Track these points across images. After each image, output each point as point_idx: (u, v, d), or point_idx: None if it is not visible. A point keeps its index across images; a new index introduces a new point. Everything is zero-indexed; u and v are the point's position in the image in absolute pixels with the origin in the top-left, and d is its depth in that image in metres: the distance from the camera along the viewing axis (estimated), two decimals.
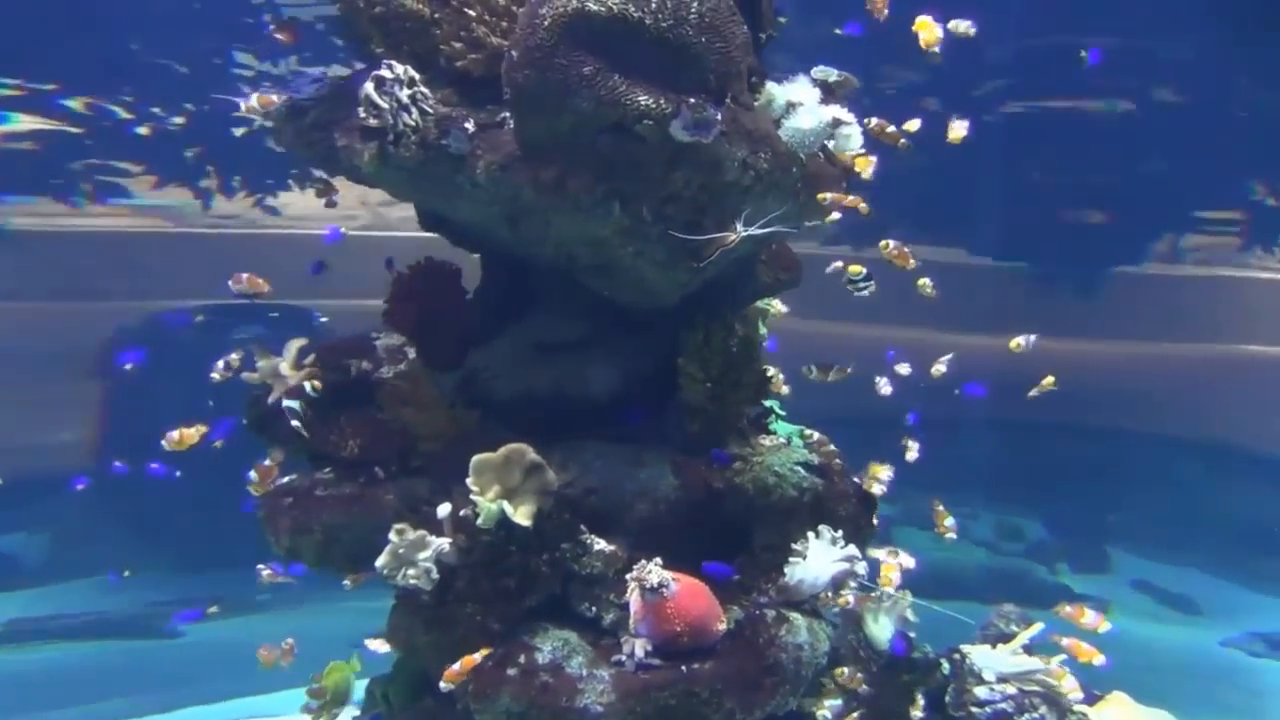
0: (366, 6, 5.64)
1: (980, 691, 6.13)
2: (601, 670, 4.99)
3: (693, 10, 4.76)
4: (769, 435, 6.08)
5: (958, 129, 5.48)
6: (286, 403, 5.71)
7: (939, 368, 6.61)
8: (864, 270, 5.71)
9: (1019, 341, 6.41)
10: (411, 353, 6.05)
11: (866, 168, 5.44)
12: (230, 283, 6.14)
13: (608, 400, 5.72)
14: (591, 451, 5.52)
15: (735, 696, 5.05)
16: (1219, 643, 12.09)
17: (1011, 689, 6.14)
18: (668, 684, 4.96)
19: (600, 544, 5.27)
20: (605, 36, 4.73)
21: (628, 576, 5.13)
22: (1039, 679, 6.21)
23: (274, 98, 6.06)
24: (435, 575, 5.03)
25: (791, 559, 5.48)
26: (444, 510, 5.20)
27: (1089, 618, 5.85)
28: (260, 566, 6.28)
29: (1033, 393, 6.77)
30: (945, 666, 6.26)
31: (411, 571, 5.03)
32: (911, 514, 8.42)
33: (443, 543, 5.10)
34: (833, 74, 5.55)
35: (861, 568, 5.54)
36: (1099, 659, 5.76)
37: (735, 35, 4.91)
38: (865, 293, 5.68)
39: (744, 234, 4.99)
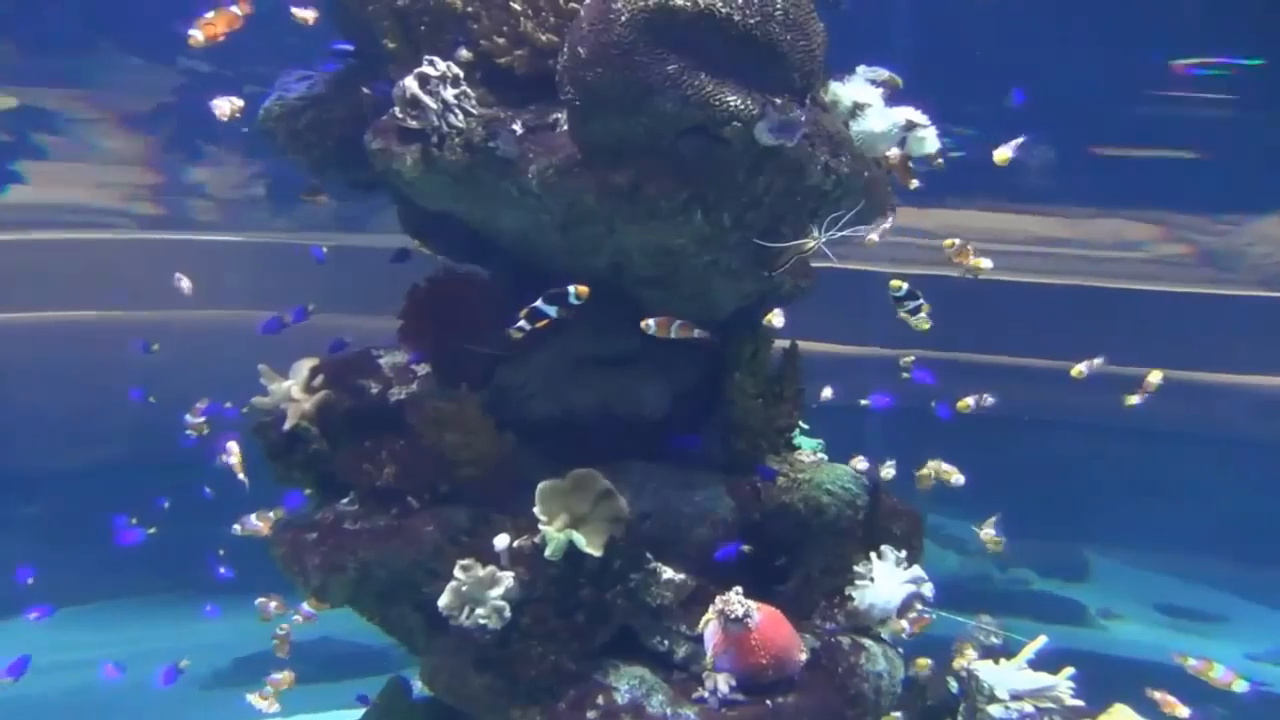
0: None
1: (995, 710, 5.96)
2: (685, 709, 4.69)
3: (778, 6, 4.48)
4: (798, 451, 5.86)
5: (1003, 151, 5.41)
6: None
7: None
8: (904, 285, 4.94)
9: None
10: (421, 371, 5.65)
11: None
12: None
13: (658, 419, 5.39)
14: (639, 473, 5.20)
15: None
16: None
17: (1028, 707, 6.00)
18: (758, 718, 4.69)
19: (669, 573, 4.96)
20: (688, 33, 4.42)
21: (713, 607, 4.83)
22: (1054, 695, 6.09)
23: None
24: (508, 614, 4.65)
25: (858, 582, 5.25)
26: (502, 542, 4.82)
27: (1219, 673, 5.70)
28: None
29: None
30: (953, 683, 6.09)
31: (480, 610, 4.64)
32: None
33: (510, 577, 4.72)
34: (882, 73, 5.33)
35: (928, 589, 5.34)
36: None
37: (817, 33, 4.65)
38: (920, 315, 5.16)
39: (822, 240, 4.74)
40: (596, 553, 4.70)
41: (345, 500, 5.39)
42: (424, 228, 6.31)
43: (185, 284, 6.24)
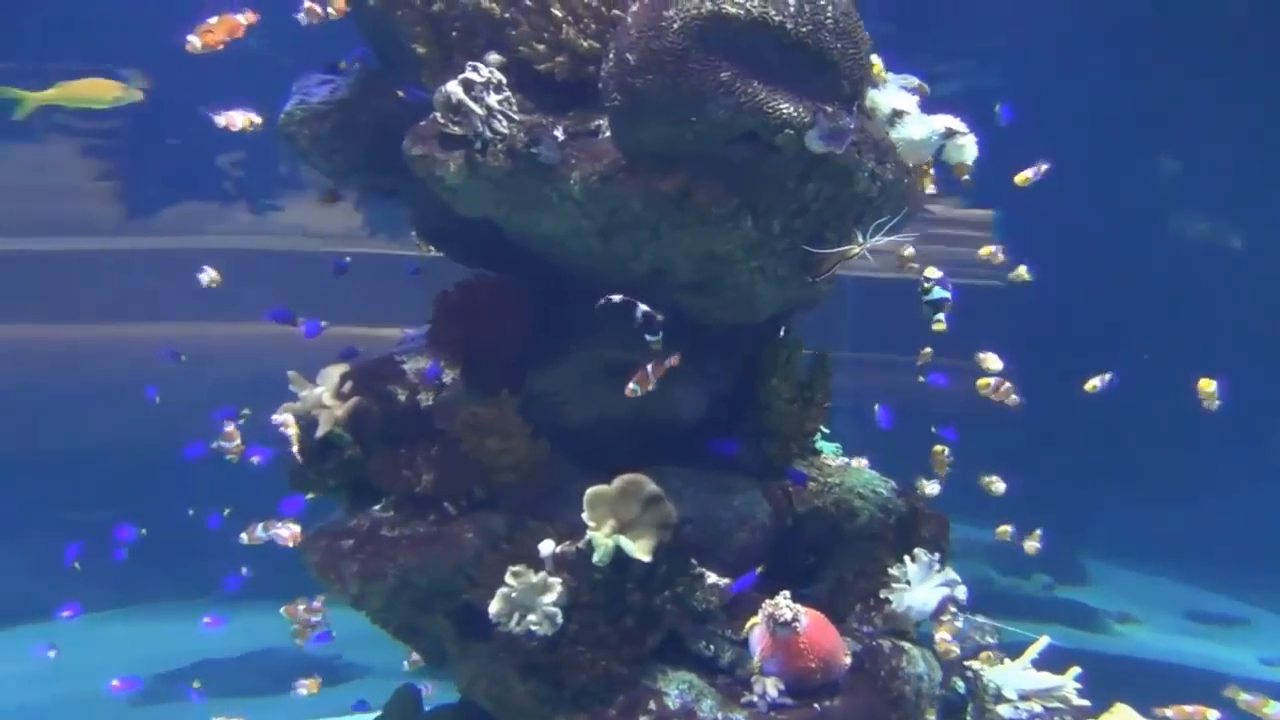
0: (421, 4, 5.22)
1: (1004, 710, 6.03)
2: (735, 714, 4.71)
3: (829, 15, 4.52)
4: (822, 454, 5.90)
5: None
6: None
7: None
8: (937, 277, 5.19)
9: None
10: (449, 377, 5.62)
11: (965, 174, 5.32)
12: None
13: (693, 424, 5.41)
14: (677, 478, 5.19)
15: None
16: None
17: (1037, 707, 6.07)
18: None
19: (712, 577, 4.97)
20: (741, 41, 4.44)
21: (761, 611, 4.84)
22: (1061, 695, 6.16)
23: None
24: (560, 620, 4.64)
25: (895, 585, 5.30)
26: (547, 548, 4.81)
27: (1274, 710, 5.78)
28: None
29: None
30: (959, 684, 6.14)
31: (532, 617, 4.63)
32: None
33: (559, 584, 4.71)
34: (913, 80, 5.38)
35: (961, 592, 5.39)
36: None
37: (864, 40, 4.70)
38: (940, 316, 5.24)
39: (867, 246, 4.78)
40: (646, 558, 4.70)
41: (377, 507, 5.35)
42: (440, 234, 6.29)
43: (209, 277, 6.12)
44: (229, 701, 9.07)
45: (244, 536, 6.20)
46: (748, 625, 4.91)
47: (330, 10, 5.67)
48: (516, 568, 4.67)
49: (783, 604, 4.79)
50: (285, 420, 5.37)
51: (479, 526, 5.12)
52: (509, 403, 5.15)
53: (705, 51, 4.44)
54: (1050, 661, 6.19)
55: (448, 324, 5.53)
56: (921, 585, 5.30)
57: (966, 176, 5.33)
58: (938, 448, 6.05)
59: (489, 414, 5.09)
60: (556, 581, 4.67)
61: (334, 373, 5.44)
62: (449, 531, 5.10)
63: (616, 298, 4.62)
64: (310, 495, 5.62)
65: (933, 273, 5.18)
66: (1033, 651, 6.38)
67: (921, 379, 6.58)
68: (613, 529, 4.73)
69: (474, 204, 5.06)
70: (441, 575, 5.06)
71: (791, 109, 4.48)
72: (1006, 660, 6.42)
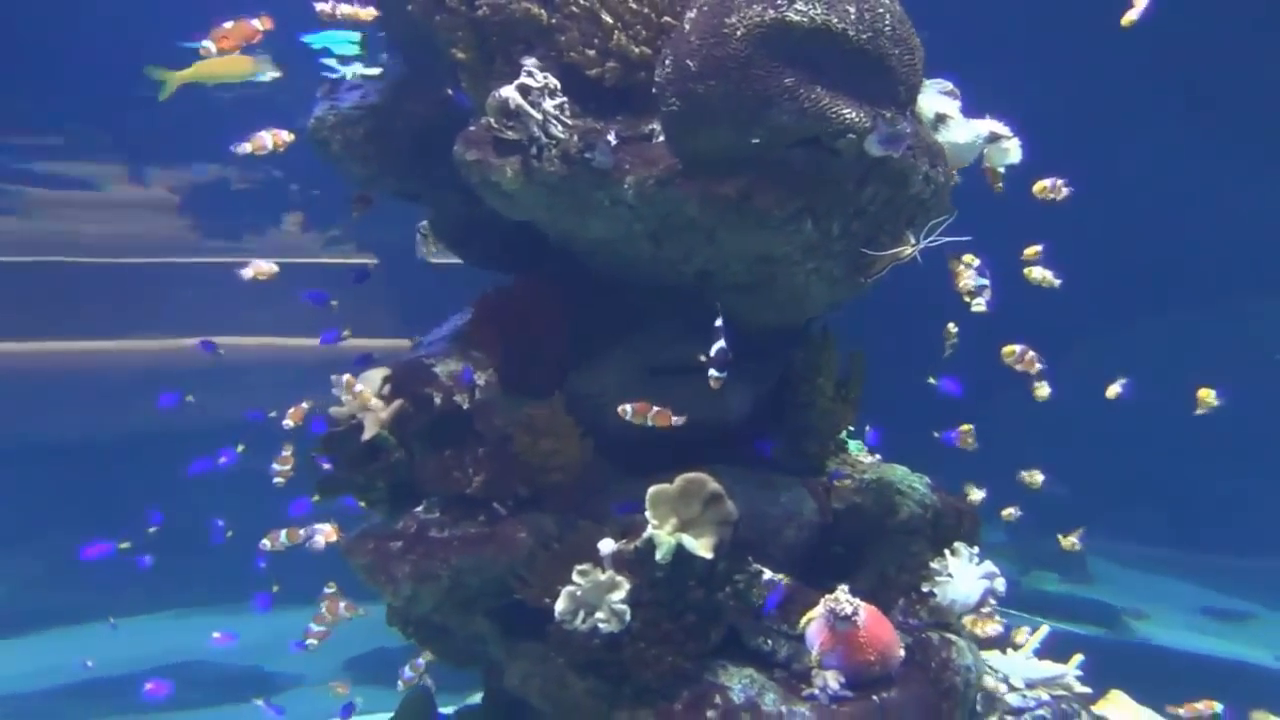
0: (465, 9, 5.24)
1: (1012, 699, 6.15)
2: (798, 706, 4.79)
3: (887, 22, 4.63)
4: (850, 452, 6.02)
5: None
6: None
7: None
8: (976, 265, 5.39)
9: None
10: (483, 379, 5.63)
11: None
12: None
13: (738, 424, 5.49)
14: (725, 476, 5.22)
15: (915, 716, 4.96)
16: None
17: (1045, 695, 6.20)
18: (866, 716, 4.81)
19: (768, 573, 5.06)
20: (803, 47, 4.54)
21: (819, 605, 4.94)
22: (1064, 683, 6.30)
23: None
24: (628, 617, 4.70)
25: (938, 579, 5.41)
26: (607, 547, 4.86)
27: None
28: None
29: None
30: None
31: (600, 614, 4.68)
32: None
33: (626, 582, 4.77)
34: (946, 85, 5.50)
35: (1001, 584, 5.51)
36: None
37: (918, 47, 4.80)
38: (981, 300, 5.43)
39: (920, 247, 4.90)
40: (708, 555, 4.77)
41: (419, 509, 5.37)
42: (460, 238, 6.33)
43: (258, 270, 6.09)
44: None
45: (266, 543, 6.21)
46: (804, 620, 5.00)
47: (360, 12, 5.66)
48: (583, 566, 4.72)
49: (843, 598, 4.89)
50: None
51: (530, 526, 5.17)
52: (559, 404, 5.20)
53: (769, 58, 4.52)
54: (1073, 650, 6.32)
55: (488, 326, 5.56)
56: (963, 578, 5.41)
57: (1000, 184, 5.45)
58: (965, 426, 6.11)
59: (544, 415, 5.15)
60: (624, 580, 4.72)
61: (375, 376, 5.44)
62: (501, 532, 5.14)
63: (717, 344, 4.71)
64: (361, 501, 5.62)
65: (971, 260, 5.35)
66: (1035, 641, 6.52)
67: (932, 380, 6.64)
68: (675, 527, 4.79)
69: (527, 209, 5.11)
70: (494, 575, 5.11)
71: (853, 114, 4.58)
72: (1009, 650, 6.54)
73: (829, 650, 4.89)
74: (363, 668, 9.66)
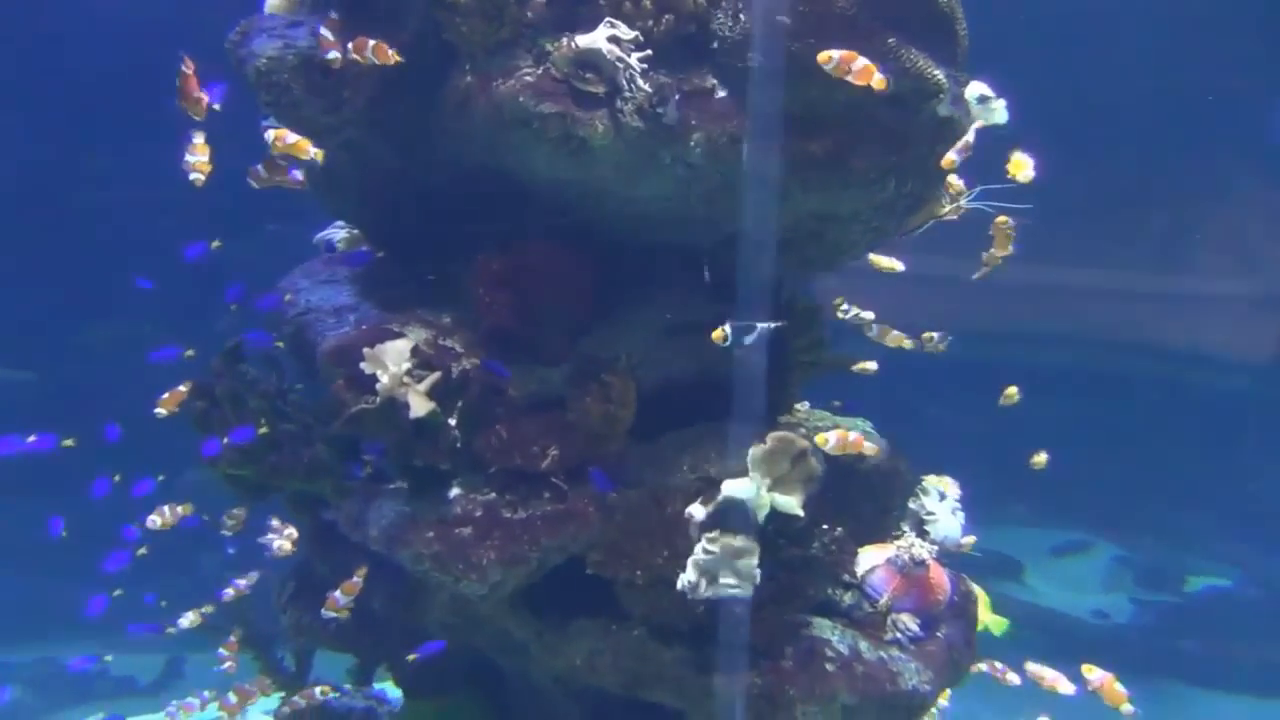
0: None
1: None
2: (889, 651, 4.94)
3: None
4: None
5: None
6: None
7: None
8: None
9: None
10: (471, 362, 5.23)
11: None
12: None
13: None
14: (745, 434, 5.30)
15: (964, 652, 5.26)
16: None
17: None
18: (944, 653, 5.05)
19: (834, 530, 5.15)
20: (900, 9, 4.67)
21: (890, 553, 5.10)
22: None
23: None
24: (759, 579, 4.64)
25: (926, 517, 5.69)
26: (699, 512, 4.78)
27: None
28: None
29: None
30: None
31: (729, 579, 4.59)
32: None
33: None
34: None
35: (962, 516, 5.84)
36: None
37: (963, 14, 5.05)
38: None
39: (969, 205, 5.15)
40: (799, 512, 4.80)
41: (455, 491, 4.97)
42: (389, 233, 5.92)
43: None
44: None
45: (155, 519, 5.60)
46: (865, 568, 5.14)
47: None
48: (712, 534, 4.61)
49: (917, 544, 5.08)
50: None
51: (594, 499, 4.95)
52: (626, 371, 5.00)
53: (872, 18, 4.60)
54: None
55: (494, 290, 5.19)
56: (944, 515, 5.73)
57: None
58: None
59: (620, 383, 4.93)
60: (754, 544, 4.65)
61: (398, 349, 4.94)
62: (575, 508, 4.89)
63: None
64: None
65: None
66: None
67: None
68: (767, 487, 4.78)
69: (588, 168, 4.81)
70: (576, 552, 4.86)
71: (941, 75, 4.76)
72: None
73: (902, 595, 5.07)
74: None
